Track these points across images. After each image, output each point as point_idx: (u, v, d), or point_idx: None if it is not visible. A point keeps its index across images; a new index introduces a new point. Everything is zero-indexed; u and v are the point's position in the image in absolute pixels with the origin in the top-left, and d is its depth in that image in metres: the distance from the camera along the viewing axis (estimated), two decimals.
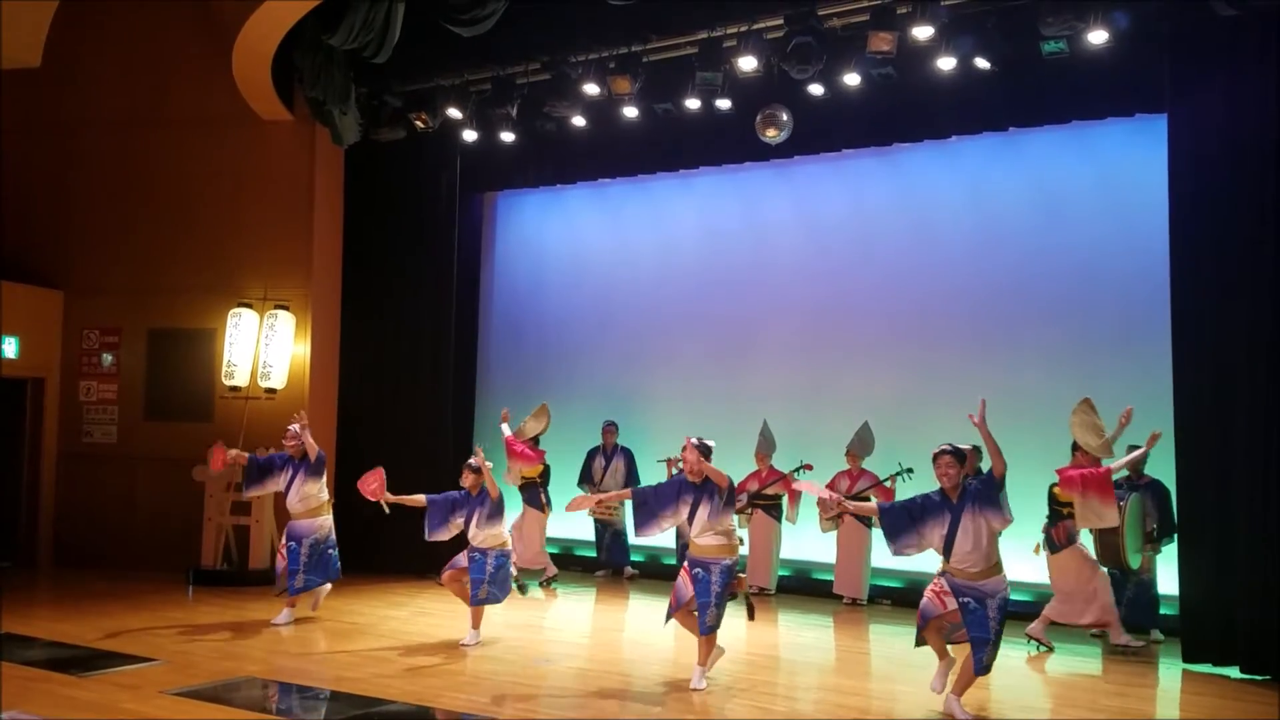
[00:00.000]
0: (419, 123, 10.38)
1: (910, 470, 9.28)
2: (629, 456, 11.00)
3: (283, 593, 8.34)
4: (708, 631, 6.52)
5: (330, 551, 8.37)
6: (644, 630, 8.69)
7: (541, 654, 7.50)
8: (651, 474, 10.80)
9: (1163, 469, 8.01)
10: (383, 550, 10.93)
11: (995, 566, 5.93)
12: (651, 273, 11.48)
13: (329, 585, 8.53)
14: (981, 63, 8.46)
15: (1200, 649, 7.40)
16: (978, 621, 5.81)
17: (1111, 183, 9.20)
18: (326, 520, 8.38)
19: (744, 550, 9.99)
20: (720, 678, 6.91)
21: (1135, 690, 7.03)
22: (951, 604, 5.94)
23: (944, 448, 6.05)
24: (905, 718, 6.19)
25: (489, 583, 7.53)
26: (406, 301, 11.18)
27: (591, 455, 11.11)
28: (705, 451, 6.57)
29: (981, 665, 5.84)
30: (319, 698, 6.24)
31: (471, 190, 11.85)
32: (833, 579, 9.84)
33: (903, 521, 6.05)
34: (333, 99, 10.18)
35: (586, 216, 12.01)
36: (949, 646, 6.27)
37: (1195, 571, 7.42)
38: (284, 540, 8.31)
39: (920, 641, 6.24)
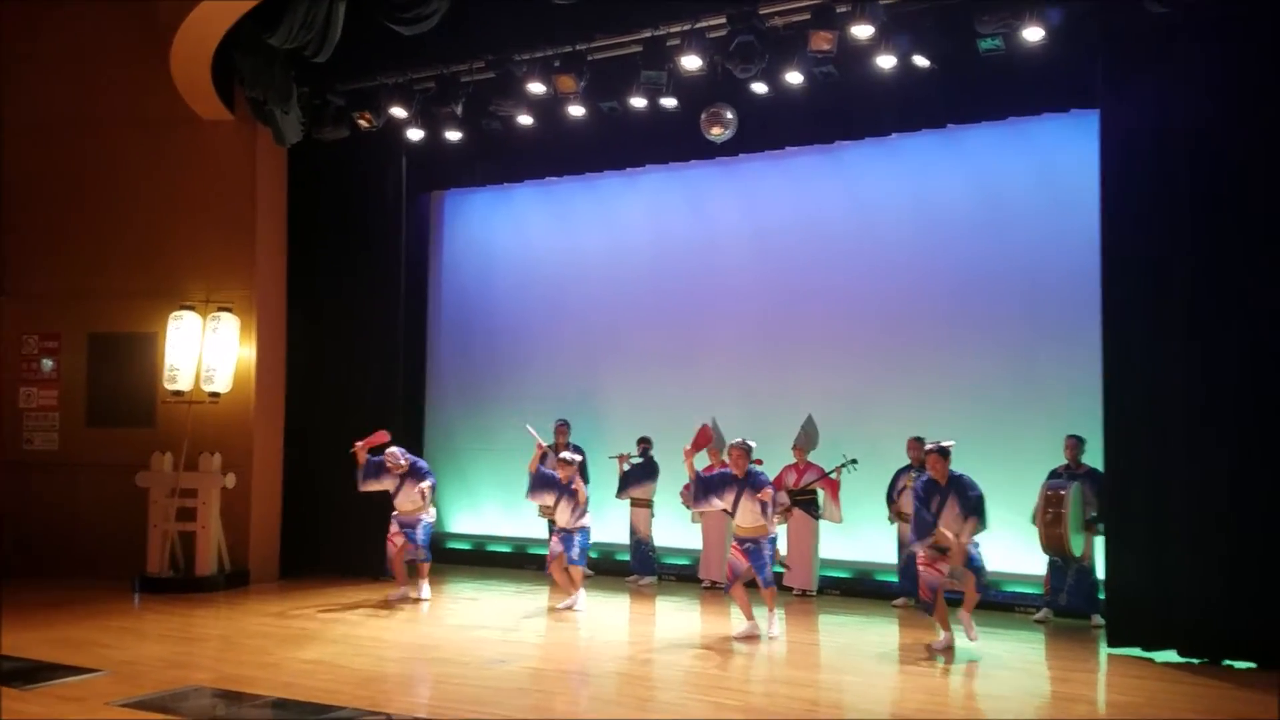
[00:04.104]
0: (363, 121, 10.30)
1: (855, 461, 9.42)
2: (581, 455, 11.00)
3: (390, 578, 9.89)
4: (770, 584, 8.02)
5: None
6: (598, 629, 8.72)
7: (494, 655, 7.49)
8: (603, 472, 10.84)
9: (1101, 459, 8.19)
10: (329, 551, 10.89)
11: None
12: (600, 270, 11.50)
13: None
14: (920, 61, 8.60)
15: (1127, 633, 7.58)
16: (970, 558, 7.45)
17: (1049, 176, 9.38)
18: (430, 513, 9.73)
19: (699, 545, 10.24)
20: (671, 671, 6.98)
21: (1078, 675, 7.21)
22: (945, 567, 7.42)
23: (929, 447, 7.64)
24: (855, 708, 6.30)
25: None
26: (354, 302, 11.09)
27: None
28: (747, 451, 8.03)
29: (981, 586, 7.54)
30: (268, 705, 6.20)
31: (418, 189, 11.80)
32: (783, 571, 9.93)
33: (929, 506, 7.53)
34: (274, 98, 10.07)
35: (535, 214, 12.01)
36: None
37: (1123, 558, 7.60)
38: (395, 529, 9.57)
39: (929, 610, 7.57)
